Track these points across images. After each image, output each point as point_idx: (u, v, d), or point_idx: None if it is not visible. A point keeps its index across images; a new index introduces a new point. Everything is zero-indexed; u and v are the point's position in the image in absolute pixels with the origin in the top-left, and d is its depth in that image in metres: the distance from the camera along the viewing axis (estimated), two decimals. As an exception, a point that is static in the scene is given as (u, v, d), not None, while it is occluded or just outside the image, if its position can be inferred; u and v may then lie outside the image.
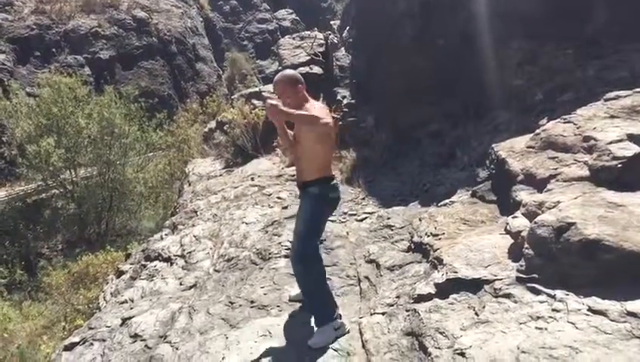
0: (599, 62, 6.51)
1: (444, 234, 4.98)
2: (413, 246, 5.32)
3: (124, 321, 5.47)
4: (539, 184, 4.67)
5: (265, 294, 5.05)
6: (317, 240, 4.22)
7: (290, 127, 4.17)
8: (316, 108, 3.94)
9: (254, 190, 9.03)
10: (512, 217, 4.35)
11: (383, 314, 4.21)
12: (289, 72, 4.19)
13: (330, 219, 6.72)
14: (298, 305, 4.69)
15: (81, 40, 35.87)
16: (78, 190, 22.66)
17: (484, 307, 3.48)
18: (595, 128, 4.71)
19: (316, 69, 14.24)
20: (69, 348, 5.50)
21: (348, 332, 4.09)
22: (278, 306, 4.78)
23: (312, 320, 4.17)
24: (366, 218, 6.93)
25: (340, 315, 4.18)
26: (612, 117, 4.84)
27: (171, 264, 6.89)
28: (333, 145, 4.22)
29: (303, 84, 4.04)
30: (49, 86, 22.46)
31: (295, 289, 4.84)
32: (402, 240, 5.79)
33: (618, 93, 5.19)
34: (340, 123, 10.77)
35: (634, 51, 6.24)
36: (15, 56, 32.33)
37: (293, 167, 9.69)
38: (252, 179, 9.87)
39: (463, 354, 3.08)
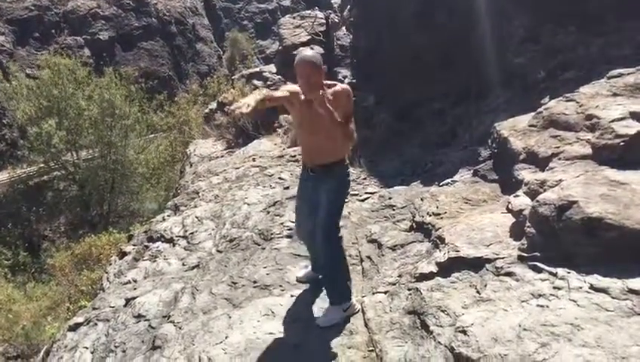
0: (602, 40, 6.45)
1: (445, 213, 4.98)
2: (414, 226, 5.32)
3: (128, 302, 5.50)
4: (541, 163, 4.66)
5: (267, 274, 5.07)
6: (340, 218, 4.20)
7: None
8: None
9: (256, 171, 9.03)
10: (514, 196, 4.35)
11: (385, 293, 4.22)
12: (313, 52, 4.00)
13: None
14: (301, 285, 4.70)
15: (80, 21, 35.71)
16: (80, 172, 22.72)
17: (485, 285, 3.49)
18: (597, 106, 4.68)
19: (317, 49, 14.15)
20: (74, 328, 5.54)
21: (357, 311, 4.09)
22: (280, 286, 4.80)
23: (327, 298, 4.13)
24: (368, 198, 6.91)
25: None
26: (615, 95, 4.82)
27: (174, 245, 6.90)
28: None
29: (324, 67, 3.84)
30: (49, 68, 22.37)
31: (301, 270, 4.86)
32: (404, 219, 5.79)
33: (621, 70, 5.15)
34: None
35: (638, 28, 6.18)
36: (14, 38, 32.22)
37: (294, 148, 9.69)
38: (253, 159, 9.87)
39: (464, 332, 3.10)
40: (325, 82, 3.84)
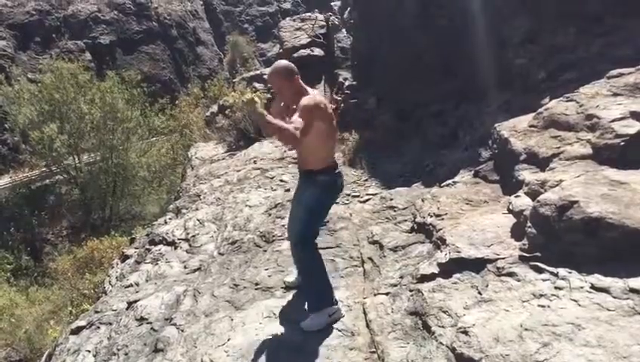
0: (602, 40, 6.45)
1: (447, 214, 4.98)
2: (416, 227, 5.33)
3: (130, 305, 5.51)
4: (541, 163, 4.66)
5: (269, 276, 5.08)
6: (319, 226, 4.22)
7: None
8: (308, 102, 3.75)
9: (257, 173, 9.04)
10: (515, 196, 4.35)
11: (386, 294, 4.23)
12: (283, 64, 3.99)
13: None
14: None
15: (81, 25, 35.78)
16: (82, 176, 22.73)
17: (487, 286, 3.50)
18: (597, 106, 4.69)
19: (317, 51, 14.19)
20: (76, 331, 5.55)
21: (343, 316, 4.10)
22: (282, 288, 4.80)
23: (306, 304, 4.16)
24: (369, 199, 6.93)
25: (337, 300, 4.18)
26: (615, 94, 4.82)
27: (175, 248, 6.92)
28: (336, 132, 4.12)
29: (298, 75, 3.91)
30: (51, 72, 22.42)
31: (291, 276, 4.86)
32: (405, 220, 5.79)
33: (621, 70, 5.15)
34: (342, 105, 10.74)
35: (638, 28, 6.18)
36: (15, 42, 32.29)
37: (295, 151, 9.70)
38: (254, 162, 9.88)
39: (466, 333, 3.10)
40: (302, 89, 3.91)
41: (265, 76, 14.37)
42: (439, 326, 3.35)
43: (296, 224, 4.11)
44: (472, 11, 7.93)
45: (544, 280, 3.29)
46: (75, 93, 22.30)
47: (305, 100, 3.74)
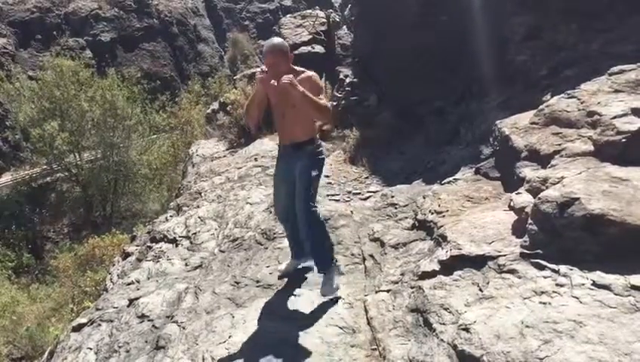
0: (604, 37, 6.43)
1: (448, 211, 4.97)
2: (417, 224, 5.32)
3: (131, 302, 5.52)
4: (543, 160, 4.65)
5: (270, 273, 5.08)
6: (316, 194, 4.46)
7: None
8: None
9: (258, 170, 9.04)
10: (516, 193, 4.34)
11: (387, 291, 4.23)
12: (280, 41, 4.29)
13: (334, 198, 6.78)
14: (303, 284, 4.71)
15: (81, 22, 35.77)
16: (83, 173, 22.76)
17: (488, 283, 3.49)
18: (599, 103, 4.67)
19: (318, 48, 14.18)
20: (77, 329, 5.57)
21: (343, 274, 4.56)
22: (278, 277, 4.86)
23: (315, 268, 4.52)
24: (370, 196, 6.93)
25: (338, 298, 4.40)
26: (616, 91, 4.80)
27: (177, 245, 6.92)
28: None
29: (292, 53, 4.21)
30: (52, 69, 22.43)
31: (280, 265, 5.02)
32: (406, 218, 5.79)
33: (622, 67, 5.13)
34: (343, 102, 10.74)
35: (638, 25, 6.17)
36: (16, 40, 32.29)
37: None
38: (255, 159, 9.88)
39: (467, 330, 3.10)
40: (294, 68, 4.16)
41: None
42: (440, 323, 3.35)
43: (300, 193, 4.27)
44: (473, 8, 7.92)
45: (545, 277, 3.28)
46: (76, 91, 22.31)
47: (314, 74, 4.15)
